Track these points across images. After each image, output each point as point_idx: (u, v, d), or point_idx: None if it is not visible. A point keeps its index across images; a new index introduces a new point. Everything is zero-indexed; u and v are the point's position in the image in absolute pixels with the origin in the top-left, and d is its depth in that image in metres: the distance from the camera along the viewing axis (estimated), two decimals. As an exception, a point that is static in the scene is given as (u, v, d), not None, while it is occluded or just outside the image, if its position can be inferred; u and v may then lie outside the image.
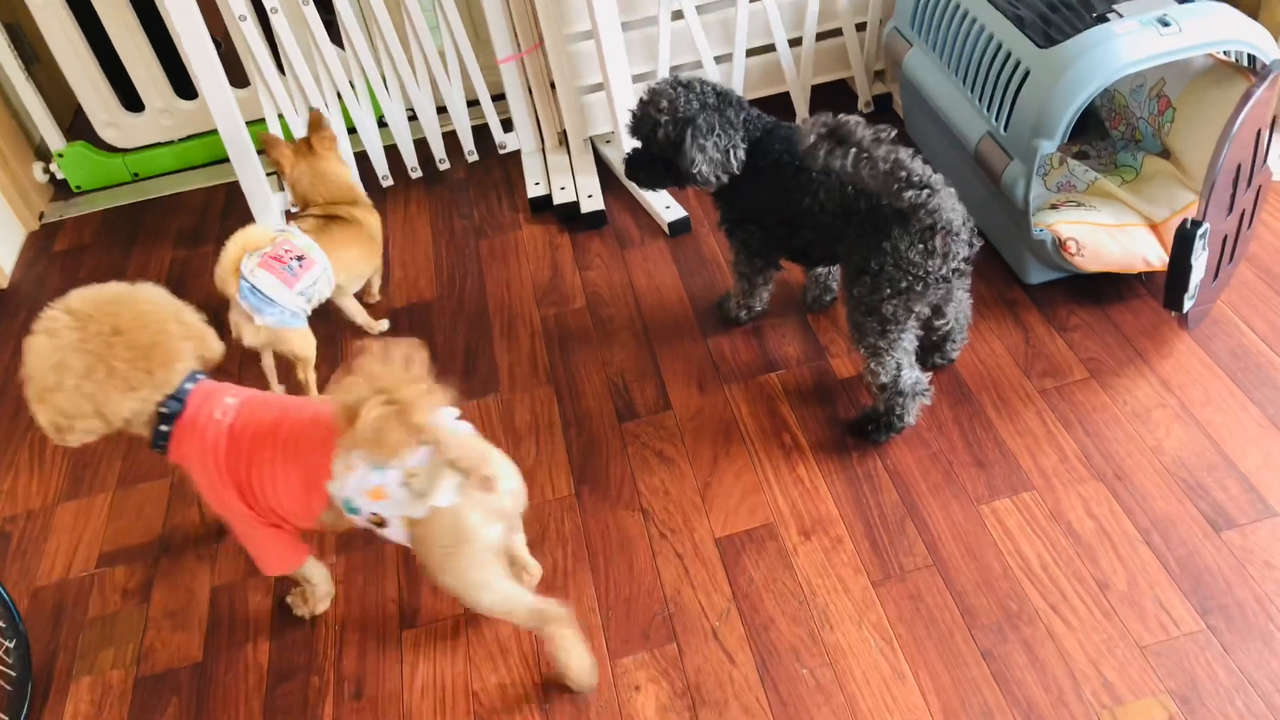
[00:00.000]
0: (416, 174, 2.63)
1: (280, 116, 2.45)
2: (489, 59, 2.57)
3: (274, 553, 1.49)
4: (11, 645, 1.60)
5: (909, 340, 1.64)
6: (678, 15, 2.37)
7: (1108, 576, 1.49)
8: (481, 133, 2.69)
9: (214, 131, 2.81)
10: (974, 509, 1.62)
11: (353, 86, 2.47)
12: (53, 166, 2.78)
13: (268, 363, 2.02)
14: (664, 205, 2.37)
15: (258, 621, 1.65)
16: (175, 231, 2.63)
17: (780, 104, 2.59)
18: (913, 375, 1.67)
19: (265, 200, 2.46)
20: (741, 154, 1.73)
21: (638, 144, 1.80)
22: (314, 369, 1.95)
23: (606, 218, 2.40)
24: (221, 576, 1.73)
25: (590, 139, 2.60)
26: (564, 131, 2.61)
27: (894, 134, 1.48)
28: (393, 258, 2.39)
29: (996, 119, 1.91)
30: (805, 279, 2.03)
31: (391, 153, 2.63)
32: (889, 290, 1.58)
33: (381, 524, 1.36)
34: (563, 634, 1.41)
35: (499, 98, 2.64)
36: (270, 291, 1.80)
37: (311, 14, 2.33)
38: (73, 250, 2.61)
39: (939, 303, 1.72)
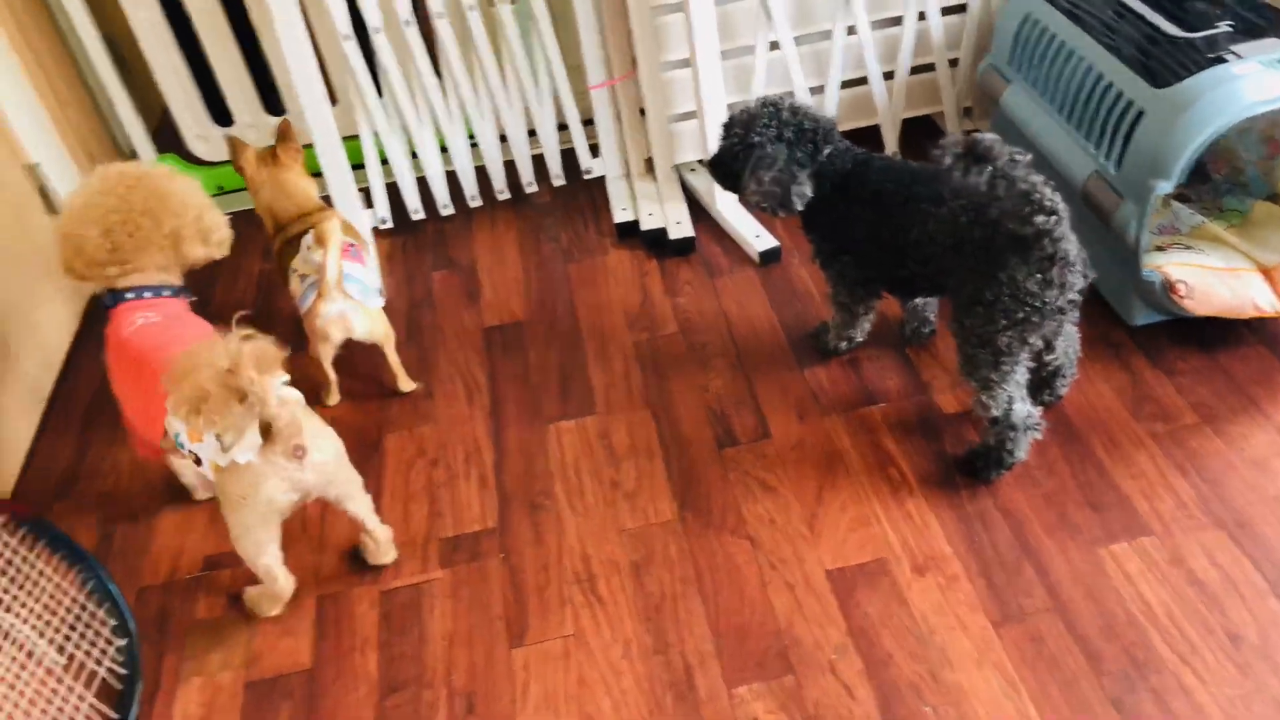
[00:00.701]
0: (504, 196, 2.65)
1: (375, 134, 2.48)
2: (580, 84, 2.59)
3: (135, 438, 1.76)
4: (123, 644, 1.61)
5: (1021, 373, 1.62)
6: (774, 45, 2.39)
7: (1238, 629, 1.47)
8: (568, 157, 2.71)
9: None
10: (1092, 552, 1.60)
11: (447, 106, 2.49)
12: (143, 175, 2.80)
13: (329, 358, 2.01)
14: (754, 234, 2.37)
15: (365, 631, 1.65)
16: (262, 243, 2.65)
17: (869, 137, 2.60)
18: (1024, 409, 1.65)
19: (356, 214, 2.48)
20: (807, 191, 1.73)
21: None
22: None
23: (695, 245, 2.40)
24: (326, 586, 1.73)
25: (677, 166, 2.62)
26: (650, 159, 2.62)
27: (1030, 158, 1.48)
28: (481, 278, 2.40)
29: (1106, 158, 1.91)
30: (903, 311, 2.02)
31: (480, 174, 2.65)
32: (1004, 321, 1.56)
33: (198, 462, 1.55)
34: (268, 611, 1.68)
35: (587, 123, 2.66)
36: (361, 276, 1.89)
37: (412, 34, 2.35)
38: (162, 258, 2.62)
39: (1050, 336, 1.70)
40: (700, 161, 2.61)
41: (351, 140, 2.47)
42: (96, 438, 2.09)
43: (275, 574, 1.62)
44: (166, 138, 2.85)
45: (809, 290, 2.23)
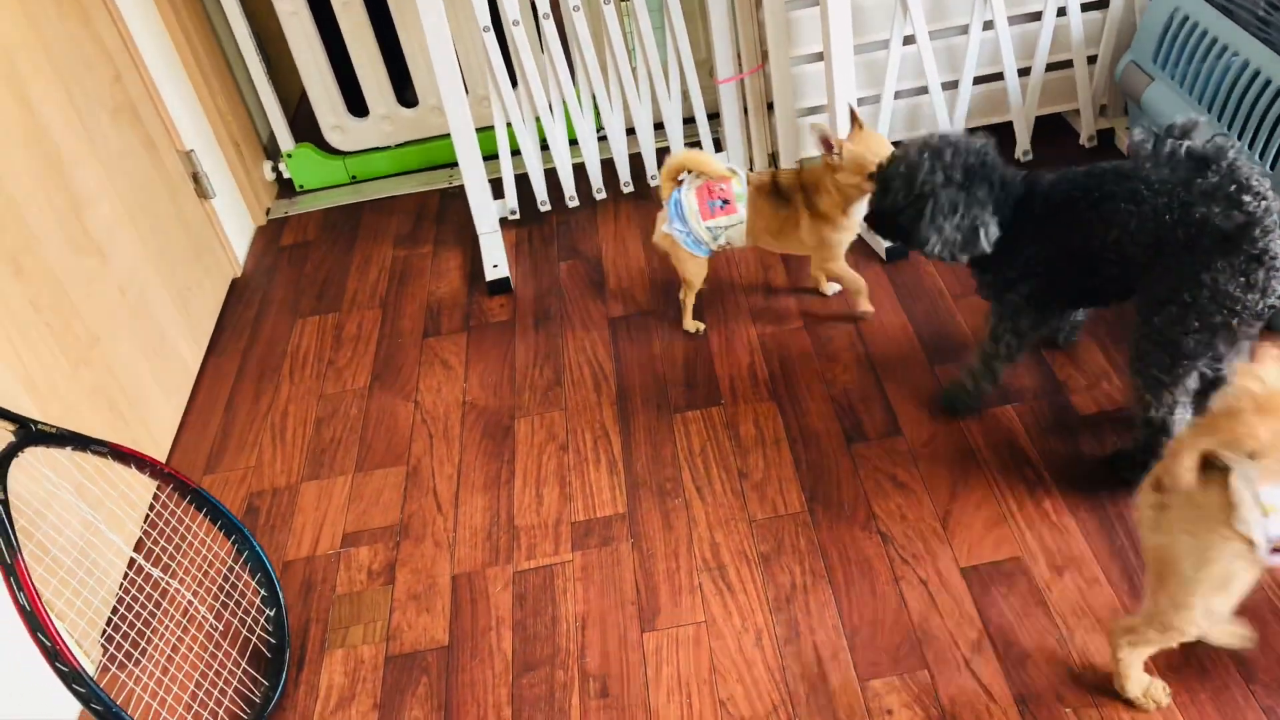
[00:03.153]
0: (629, 188, 2.68)
1: (509, 125, 2.53)
2: (708, 79, 2.60)
3: None
4: (272, 614, 1.68)
5: (1193, 380, 1.56)
6: (909, 40, 2.37)
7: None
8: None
9: (429, 139, 2.92)
10: (1242, 558, 1.55)
11: (579, 99, 2.53)
12: (281, 166, 2.92)
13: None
14: (881, 230, 2.35)
15: (499, 611, 1.69)
16: (394, 232, 2.74)
17: (1002, 134, 2.55)
18: (1186, 417, 1.59)
19: (487, 207, 2.54)
20: (994, 230, 1.64)
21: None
22: (696, 295, 2.16)
23: (821, 240, 2.39)
24: (461, 565, 1.78)
25: (802, 160, 2.61)
26: (775, 153, 2.62)
27: (1237, 144, 1.39)
28: (606, 269, 2.44)
29: (1260, 157, 1.85)
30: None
31: (606, 166, 2.68)
32: (1197, 323, 1.48)
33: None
34: None
35: (713, 116, 2.67)
36: (687, 212, 2.03)
37: (549, 28, 2.40)
38: (299, 245, 2.73)
39: (1234, 343, 1.56)
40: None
41: (484, 131, 2.53)
42: (240, 414, 2.18)
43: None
44: (303, 128, 2.96)
45: (938, 287, 2.21)
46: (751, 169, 2.66)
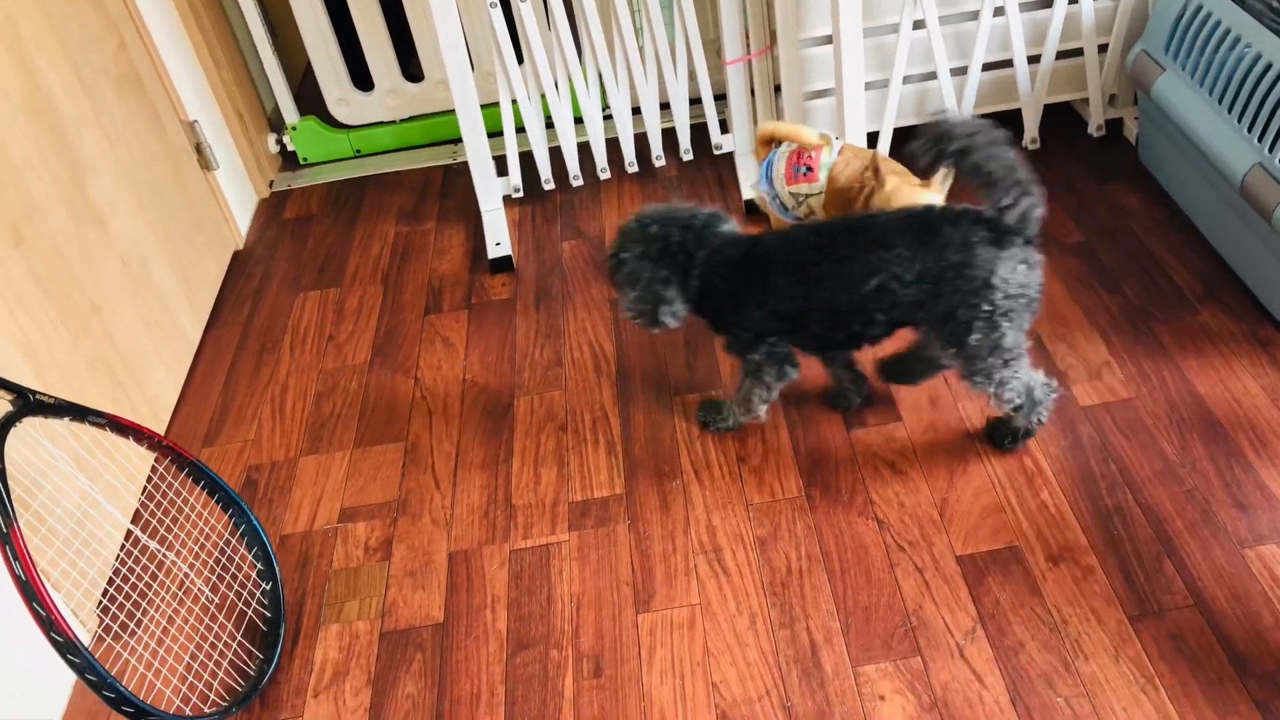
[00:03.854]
0: (633, 168, 2.67)
1: (514, 102, 2.52)
2: (715, 59, 2.59)
3: None
4: (268, 588, 1.68)
5: (1026, 354, 1.64)
6: (919, 24, 2.35)
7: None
8: (698, 132, 2.71)
9: (433, 114, 2.91)
10: (1237, 553, 1.55)
11: (585, 77, 2.52)
12: (284, 138, 2.91)
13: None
14: (886, 216, 2.34)
15: (494, 590, 1.69)
16: (397, 208, 2.73)
17: (1009, 121, 2.54)
18: (1036, 379, 1.67)
19: (490, 182, 2.53)
20: (679, 309, 1.69)
21: None
22: None
23: (825, 224, 2.38)
24: (458, 543, 1.78)
25: (756, 152, 2.59)
26: (781, 135, 2.60)
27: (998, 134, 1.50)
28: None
29: (1270, 150, 1.84)
30: (834, 377, 1.89)
31: (611, 145, 2.67)
32: (1006, 323, 1.57)
33: None
34: None
35: (720, 98, 2.66)
36: (775, 176, 2.07)
37: (556, 4, 2.38)
38: (301, 219, 2.72)
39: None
40: (833, 140, 2.58)
41: (489, 108, 2.52)
42: (240, 387, 2.18)
43: None
44: (307, 101, 2.95)
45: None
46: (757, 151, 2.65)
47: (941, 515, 1.69)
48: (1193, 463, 1.70)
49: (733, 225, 1.74)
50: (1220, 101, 1.99)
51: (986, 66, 2.43)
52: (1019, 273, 1.55)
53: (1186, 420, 1.78)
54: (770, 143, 2.11)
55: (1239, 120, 1.93)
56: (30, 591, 1.28)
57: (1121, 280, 2.09)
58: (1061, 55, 2.44)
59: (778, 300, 1.68)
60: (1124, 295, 2.06)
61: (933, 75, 2.42)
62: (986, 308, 1.56)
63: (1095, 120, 2.52)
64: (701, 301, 1.72)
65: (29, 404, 1.43)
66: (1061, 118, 2.59)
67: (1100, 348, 1.95)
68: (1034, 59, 2.42)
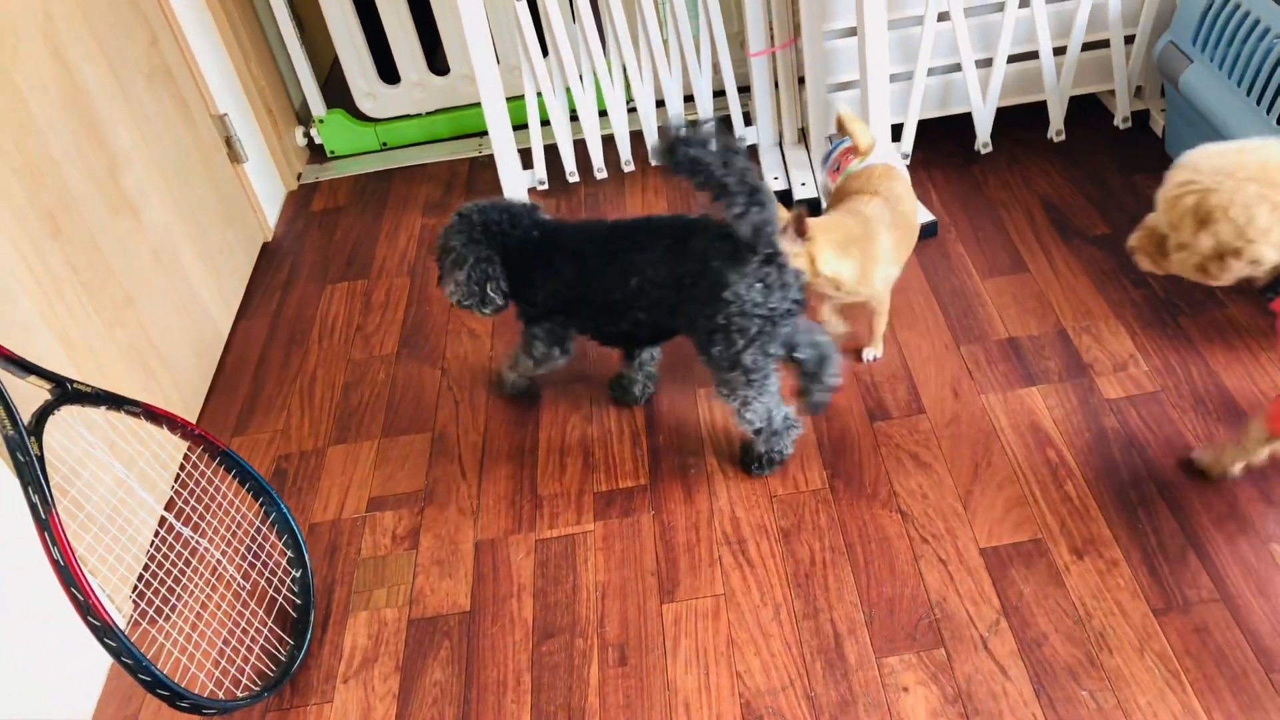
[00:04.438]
0: (656, 161, 2.67)
1: (539, 95, 2.53)
2: (739, 51, 2.59)
3: None
4: (298, 575, 1.71)
5: (774, 382, 1.68)
6: (943, 16, 2.35)
7: None
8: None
9: (459, 107, 2.92)
10: (1264, 547, 1.55)
11: (609, 70, 2.53)
12: (312, 131, 2.93)
13: None
14: (910, 208, 2.34)
15: (520, 579, 1.71)
16: (423, 200, 2.75)
17: (1034, 113, 2.54)
18: (781, 413, 1.72)
19: (515, 175, 2.55)
20: (504, 282, 1.79)
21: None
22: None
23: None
24: (484, 531, 1.80)
25: (831, 136, 2.59)
26: (805, 128, 2.61)
27: (744, 148, 1.52)
28: (634, 240, 2.43)
29: (1299, 143, 1.82)
30: (624, 369, 1.96)
31: (635, 138, 2.68)
32: (742, 341, 1.60)
33: None
34: None
35: (744, 90, 2.66)
36: (828, 165, 2.09)
37: (581, -2, 2.39)
38: (329, 210, 2.75)
39: (789, 341, 1.70)
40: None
41: (514, 101, 2.53)
42: (269, 378, 2.21)
43: None
44: (335, 94, 2.97)
45: (966, 266, 2.20)
46: (781, 143, 2.66)
47: (965, 507, 1.70)
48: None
49: (546, 216, 1.85)
50: (1249, 93, 1.98)
51: (1012, 58, 2.43)
52: (754, 291, 1.56)
53: (1213, 414, 1.78)
54: (841, 130, 2.05)
55: (1268, 112, 1.92)
56: (68, 576, 1.31)
57: (1148, 273, 2.08)
58: (1087, 47, 2.43)
59: (558, 285, 1.77)
60: (1150, 289, 2.05)
61: (957, 67, 2.42)
62: (721, 320, 1.59)
63: (1121, 112, 2.51)
64: (521, 283, 1.82)
65: (67, 393, 1.46)
66: (1087, 110, 2.58)
67: (1126, 341, 1.94)
68: (1059, 51, 2.42)
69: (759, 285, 1.57)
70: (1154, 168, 2.36)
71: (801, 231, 1.75)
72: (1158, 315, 1.99)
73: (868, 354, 2.01)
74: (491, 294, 1.79)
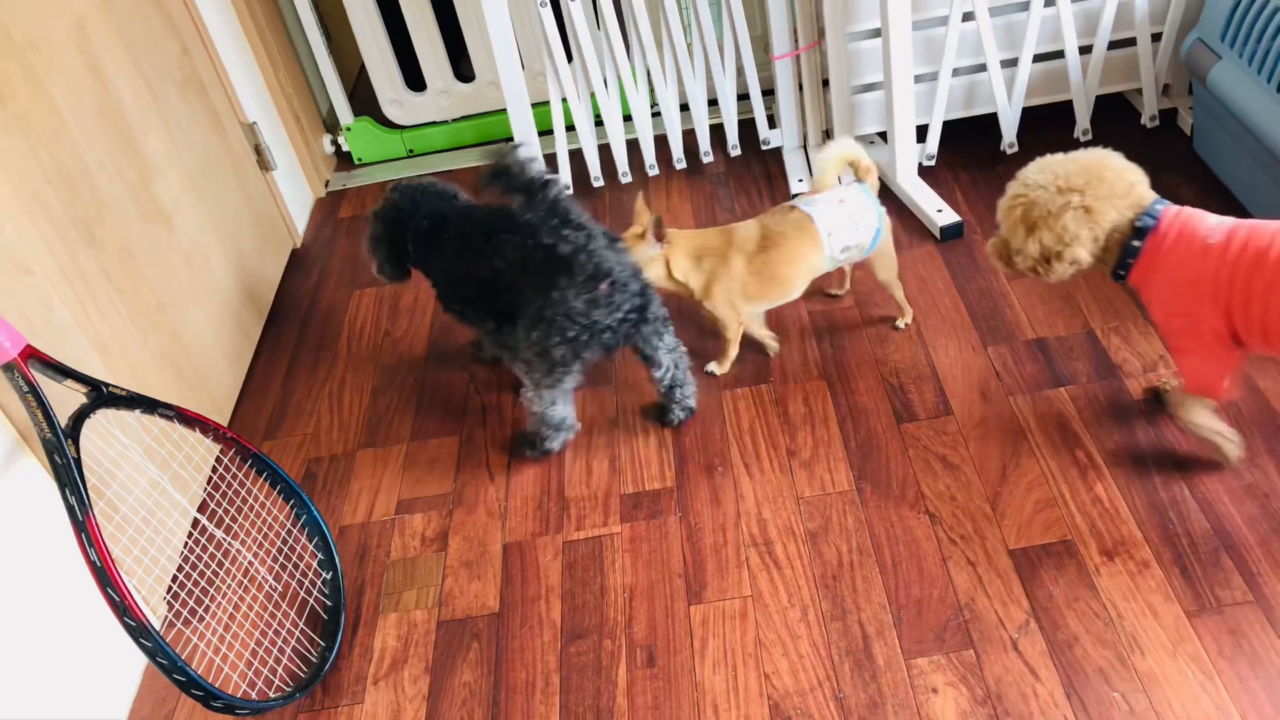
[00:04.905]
0: (681, 165, 2.68)
1: (564, 100, 2.54)
2: (763, 54, 2.59)
3: (1207, 375, 1.56)
4: (328, 577, 1.72)
5: (571, 381, 1.78)
6: (968, 16, 2.34)
7: None
8: (746, 127, 2.72)
9: (485, 114, 2.94)
10: (1298, 547, 1.54)
11: (634, 75, 2.54)
12: (340, 139, 2.96)
13: None
14: (936, 208, 2.34)
15: (549, 580, 1.72)
16: (449, 205, 2.76)
17: (1061, 113, 2.53)
18: (562, 412, 1.83)
19: (541, 180, 2.55)
20: (387, 267, 1.98)
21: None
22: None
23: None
24: (513, 534, 1.81)
25: (857, 139, 2.59)
26: (829, 130, 2.61)
27: (563, 185, 1.65)
28: (659, 244, 2.44)
29: (1330, 140, 1.81)
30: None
31: (659, 142, 2.69)
32: (558, 338, 1.68)
33: None
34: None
35: (768, 93, 2.66)
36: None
37: (605, 3, 2.40)
38: (357, 218, 2.77)
39: (645, 350, 1.82)
40: (879, 135, 2.58)
41: (539, 107, 2.55)
42: (299, 382, 2.23)
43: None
44: (362, 102, 3.00)
45: (993, 267, 2.19)
46: (805, 145, 2.66)
47: (994, 509, 1.69)
48: (1253, 458, 1.69)
49: (465, 199, 1.97)
50: (1279, 89, 1.96)
51: (1037, 58, 2.42)
52: (580, 300, 1.65)
53: (1246, 415, 1.76)
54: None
55: (1299, 110, 1.90)
56: (105, 577, 1.33)
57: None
58: (1114, 45, 2.41)
59: (443, 264, 1.90)
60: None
61: (982, 68, 2.41)
62: (547, 313, 1.67)
63: (1149, 111, 2.49)
64: (418, 259, 1.96)
65: (103, 396, 1.48)
66: (1114, 109, 2.57)
67: (1155, 342, 1.93)
68: (1086, 49, 2.40)
69: (585, 297, 1.65)
70: (1182, 167, 2.34)
71: (660, 236, 1.88)
72: (1188, 315, 1.97)
73: (710, 366, 2.07)
74: (381, 272, 1.99)
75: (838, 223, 1.91)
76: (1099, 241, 1.56)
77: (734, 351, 2.04)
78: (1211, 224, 1.50)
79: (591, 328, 1.68)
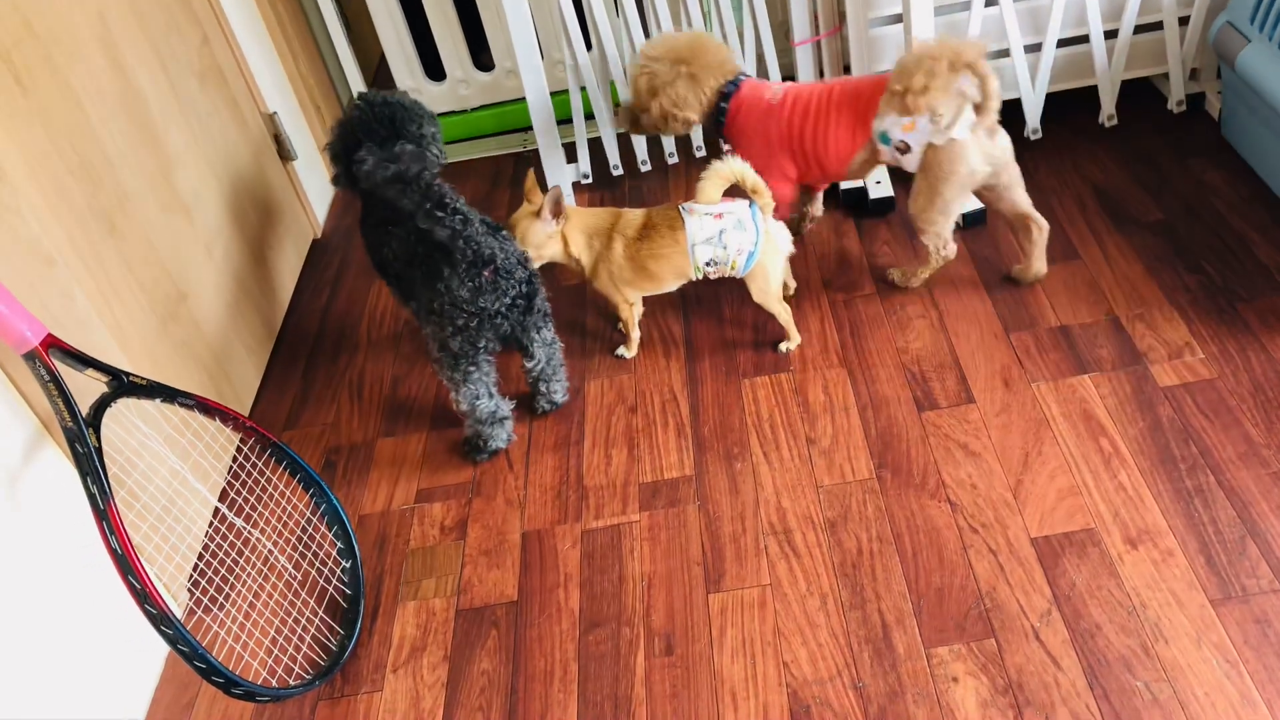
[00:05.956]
0: (700, 152, 2.67)
1: (583, 89, 2.53)
2: (783, 41, 2.57)
3: (783, 195, 2.01)
4: (348, 565, 1.73)
5: (484, 372, 1.79)
6: (991, 1, 2.31)
7: None
8: (767, 114, 2.70)
9: (504, 103, 2.94)
10: (1326, 536, 1.51)
11: (653, 63, 2.52)
12: (360, 128, 2.96)
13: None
14: (958, 196, 2.31)
15: (567, 568, 1.72)
16: (469, 195, 2.76)
17: (1085, 98, 2.50)
18: (490, 405, 1.82)
19: (560, 170, 2.55)
20: (343, 180, 1.97)
21: None
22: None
23: (895, 205, 2.37)
24: (531, 522, 1.81)
25: (878, 126, 2.57)
26: (851, 117, 2.58)
27: (438, 173, 1.67)
28: (679, 232, 2.43)
29: (1361, 122, 1.78)
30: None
31: (679, 130, 2.67)
32: (450, 328, 1.69)
33: (905, 150, 1.86)
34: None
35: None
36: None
37: (624, -10, 2.39)
38: (377, 207, 2.77)
39: (521, 340, 1.83)
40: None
41: (558, 95, 2.54)
42: (319, 372, 2.24)
43: (947, 238, 1.98)
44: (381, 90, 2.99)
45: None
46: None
47: (1015, 497, 1.68)
48: (1278, 444, 1.66)
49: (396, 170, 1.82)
50: (1309, 73, 1.92)
51: (1062, 43, 2.39)
52: (464, 288, 1.66)
53: (1273, 402, 1.74)
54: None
55: (1329, 92, 1.87)
56: (126, 565, 1.34)
57: (1203, 259, 2.05)
58: (1140, 29, 2.38)
59: (368, 237, 1.92)
60: (1206, 274, 2.01)
61: (1006, 53, 2.38)
62: (435, 305, 1.69)
63: (1176, 95, 2.46)
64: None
65: (123, 385, 1.49)
66: (1140, 94, 2.53)
67: (1181, 328, 1.90)
68: (1111, 34, 2.37)
69: (469, 284, 1.65)
70: (1210, 151, 2.31)
71: (556, 212, 1.92)
72: (1214, 302, 1.94)
73: (619, 350, 2.09)
74: (337, 183, 1.99)
75: (705, 235, 1.90)
76: (703, 104, 1.99)
77: (635, 334, 2.07)
78: (775, 89, 1.97)
79: (480, 314, 1.69)
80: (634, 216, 1.98)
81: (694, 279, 1.99)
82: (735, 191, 1.91)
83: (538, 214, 1.92)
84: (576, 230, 1.97)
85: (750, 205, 1.90)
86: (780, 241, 1.95)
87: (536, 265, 1.89)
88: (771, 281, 1.97)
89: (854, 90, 1.92)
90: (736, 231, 1.89)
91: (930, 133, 1.82)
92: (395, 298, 2.01)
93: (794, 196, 2.06)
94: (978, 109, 1.79)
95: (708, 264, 1.94)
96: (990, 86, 1.76)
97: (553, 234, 1.95)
